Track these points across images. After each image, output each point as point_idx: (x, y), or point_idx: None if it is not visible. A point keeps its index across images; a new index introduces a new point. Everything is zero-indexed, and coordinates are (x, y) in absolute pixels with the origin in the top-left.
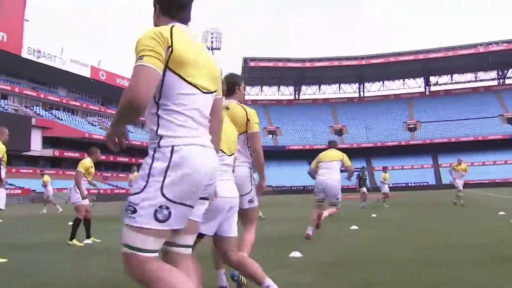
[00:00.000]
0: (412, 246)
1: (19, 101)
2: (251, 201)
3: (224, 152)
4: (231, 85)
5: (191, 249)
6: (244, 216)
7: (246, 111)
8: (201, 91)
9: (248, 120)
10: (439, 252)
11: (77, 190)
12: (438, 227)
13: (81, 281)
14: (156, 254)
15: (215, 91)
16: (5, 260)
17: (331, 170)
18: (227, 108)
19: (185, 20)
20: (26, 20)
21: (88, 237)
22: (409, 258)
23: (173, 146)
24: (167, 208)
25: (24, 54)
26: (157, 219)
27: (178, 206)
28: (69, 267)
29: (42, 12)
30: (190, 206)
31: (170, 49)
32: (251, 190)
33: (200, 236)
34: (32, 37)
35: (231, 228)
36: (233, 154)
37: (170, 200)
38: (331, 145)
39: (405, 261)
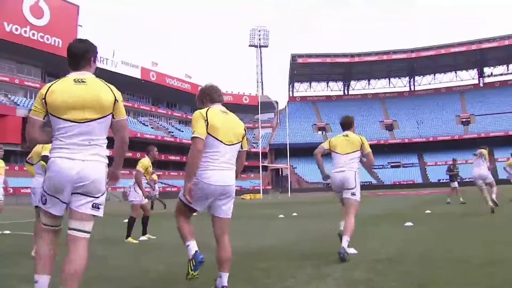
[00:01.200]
0: (472, 243)
1: None
2: (353, 194)
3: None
4: None
5: (81, 232)
6: (346, 205)
7: None
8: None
9: None
10: (500, 250)
11: (137, 190)
12: (498, 223)
13: (136, 275)
14: (49, 227)
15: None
16: None
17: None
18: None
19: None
20: (79, 25)
21: (144, 233)
22: (468, 255)
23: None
24: (44, 196)
25: None
26: (41, 202)
27: (50, 196)
28: (125, 262)
29: (94, 17)
30: (57, 198)
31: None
32: (355, 186)
33: (193, 210)
34: None
35: (222, 211)
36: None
37: (45, 191)
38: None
39: (464, 259)
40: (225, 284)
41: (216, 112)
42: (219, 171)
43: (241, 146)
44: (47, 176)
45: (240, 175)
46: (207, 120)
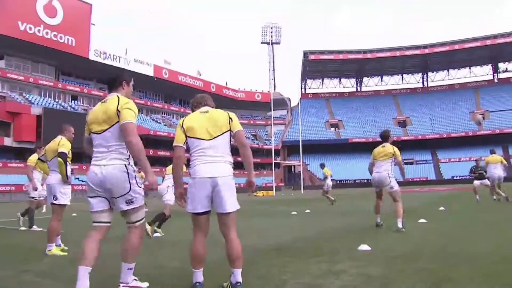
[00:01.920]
0: (486, 240)
1: (88, 101)
2: (391, 187)
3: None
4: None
5: (129, 224)
6: (392, 195)
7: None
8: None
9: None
10: None
11: (172, 190)
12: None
13: (151, 271)
14: (95, 224)
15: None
16: (65, 253)
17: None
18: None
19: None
20: (92, 24)
21: (159, 227)
22: (483, 253)
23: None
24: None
25: (91, 57)
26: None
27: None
28: (140, 259)
29: (106, 15)
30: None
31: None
32: (390, 182)
33: (202, 217)
34: (98, 40)
35: (221, 205)
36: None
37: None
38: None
39: (479, 256)
40: (239, 280)
41: (194, 115)
42: (206, 164)
43: (231, 130)
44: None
45: (248, 165)
46: (183, 126)
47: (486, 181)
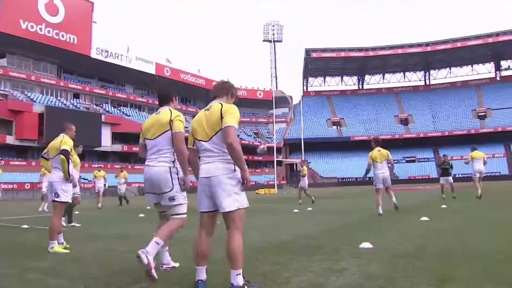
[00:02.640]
0: (489, 238)
1: (90, 99)
2: (390, 183)
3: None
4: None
5: (172, 215)
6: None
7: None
8: None
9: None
10: None
11: None
12: None
13: (156, 270)
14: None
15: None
16: (67, 251)
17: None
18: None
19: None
20: (94, 22)
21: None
22: (486, 251)
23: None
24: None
25: (93, 55)
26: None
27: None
28: None
29: (108, 13)
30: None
31: None
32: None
33: (207, 216)
34: (100, 38)
35: (220, 204)
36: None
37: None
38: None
39: (482, 255)
40: (233, 282)
41: (199, 114)
42: (204, 164)
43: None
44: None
45: (239, 163)
46: (191, 130)
47: (450, 179)
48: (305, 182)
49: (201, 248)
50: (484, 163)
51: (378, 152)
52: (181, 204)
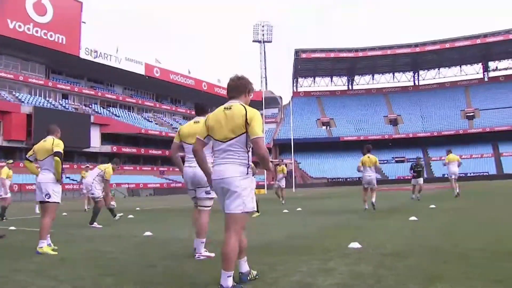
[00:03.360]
0: (477, 238)
1: (78, 100)
2: (374, 185)
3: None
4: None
5: (201, 207)
6: (372, 189)
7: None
8: None
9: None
10: (505, 244)
11: None
12: (500, 218)
13: (144, 270)
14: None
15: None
16: (55, 253)
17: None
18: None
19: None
20: (83, 22)
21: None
22: (474, 250)
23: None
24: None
25: (82, 55)
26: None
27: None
28: (133, 257)
29: (97, 13)
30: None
31: None
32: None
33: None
34: (89, 38)
35: (226, 205)
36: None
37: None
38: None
39: (470, 254)
40: (222, 283)
41: (217, 112)
42: (218, 165)
43: (248, 135)
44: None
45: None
46: (206, 124)
47: (421, 180)
48: (282, 182)
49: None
50: (459, 165)
51: (368, 158)
52: (212, 198)
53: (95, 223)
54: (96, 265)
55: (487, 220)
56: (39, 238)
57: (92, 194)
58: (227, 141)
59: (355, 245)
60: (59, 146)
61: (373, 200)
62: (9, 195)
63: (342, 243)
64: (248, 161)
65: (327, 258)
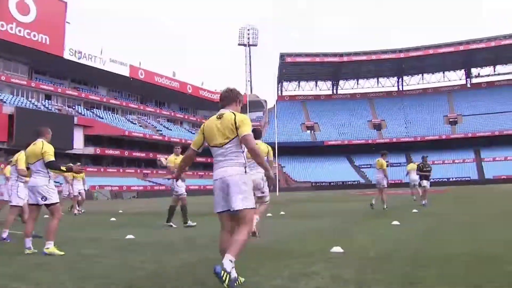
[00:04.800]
0: (458, 242)
1: (62, 101)
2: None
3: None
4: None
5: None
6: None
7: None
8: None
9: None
10: (486, 247)
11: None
12: (481, 222)
13: (125, 273)
14: None
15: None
16: (63, 253)
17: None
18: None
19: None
20: (67, 22)
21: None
22: (455, 254)
23: None
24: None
25: (66, 56)
26: None
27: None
28: (114, 260)
29: (81, 14)
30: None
31: None
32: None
33: (222, 216)
34: (73, 38)
35: (231, 204)
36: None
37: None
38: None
39: (452, 257)
40: (224, 263)
41: (210, 121)
42: (219, 168)
43: (239, 134)
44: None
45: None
46: (203, 133)
47: (428, 184)
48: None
49: (224, 247)
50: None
51: (378, 161)
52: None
53: (189, 221)
54: (77, 269)
55: (468, 224)
56: (46, 239)
57: (176, 192)
58: (223, 145)
59: (337, 249)
60: (50, 154)
61: (374, 200)
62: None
63: (324, 247)
64: (245, 161)
65: (309, 262)
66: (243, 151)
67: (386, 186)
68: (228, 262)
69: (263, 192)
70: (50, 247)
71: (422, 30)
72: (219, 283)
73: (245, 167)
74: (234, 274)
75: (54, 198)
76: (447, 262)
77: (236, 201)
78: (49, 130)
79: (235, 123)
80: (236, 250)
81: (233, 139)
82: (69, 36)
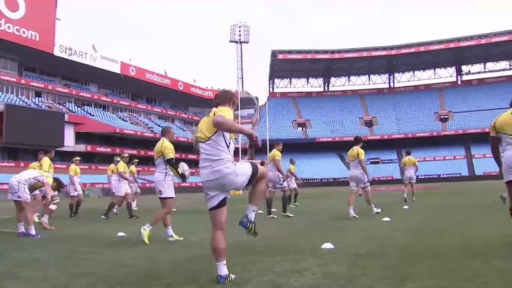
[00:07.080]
0: (448, 237)
1: (52, 98)
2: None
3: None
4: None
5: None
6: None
7: None
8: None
9: None
10: (478, 242)
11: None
12: (471, 219)
13: (117, 271)
14: None
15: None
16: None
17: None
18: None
19: None
20: (57, 19)
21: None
22: (445, 249)
23: None
24: None
25: (56, 52)
26: None
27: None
28: (106, 258)
29: (72, 10)
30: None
31: None
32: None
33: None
34: (63, 35)
35: (236, 188)
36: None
37: None
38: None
39: (441, 253)
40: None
41: (201, 120)
42: (202, 169)
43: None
44: None
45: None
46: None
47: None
48: None
49: (215, 246)
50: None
51: (408, 159)
52: None
53: (287, 211)
54: (69, 266)
55: (458, 220)
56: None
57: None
58: (206, 140)
59: (328, 245)
60: (169, 151)
61: (414, 191)
62: (80, 192)
63: (315, 243)
64: (231, 155)
65: (300, 259)
66: (229, 146)
67: (415, 181)
68: (251, 212)
69: (281, 185)
70: (147, 229)
71: (414, 27)
72: (211, 279)
73: (231, 162)
74: (225, 271)
75: (168, 193)
76: (437, 257)
77: (238, 184)
78: (171, 130)
79: (214, 114)
80: (257, 201)
81: (215, 133)
82: (59, 33)
